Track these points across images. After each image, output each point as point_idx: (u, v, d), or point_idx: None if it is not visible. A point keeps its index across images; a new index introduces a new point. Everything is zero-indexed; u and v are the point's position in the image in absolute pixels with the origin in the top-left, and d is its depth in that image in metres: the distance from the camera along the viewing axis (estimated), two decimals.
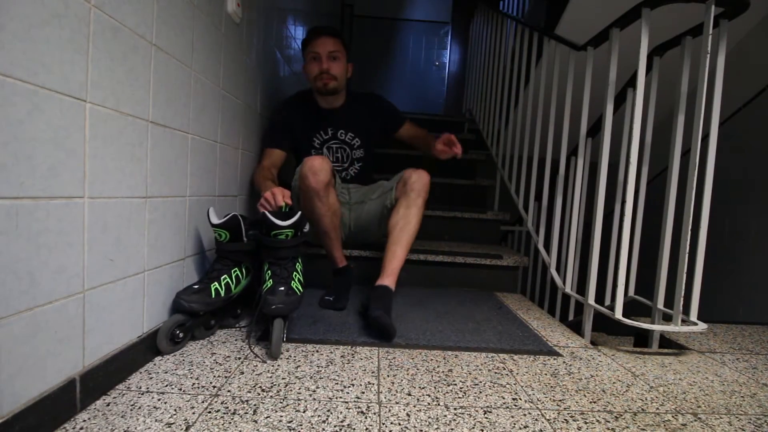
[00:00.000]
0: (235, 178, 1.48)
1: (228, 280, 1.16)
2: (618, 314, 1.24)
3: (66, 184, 0.71)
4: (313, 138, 1.75)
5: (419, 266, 1.87)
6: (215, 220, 1.15)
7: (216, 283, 1.13)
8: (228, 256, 1.19)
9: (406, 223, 1.46)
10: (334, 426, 0.76)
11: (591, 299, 1.35)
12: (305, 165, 1.37)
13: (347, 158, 1.79)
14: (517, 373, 1.04)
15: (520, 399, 0.91)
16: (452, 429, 0.78)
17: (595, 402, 0.91)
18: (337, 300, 1.45)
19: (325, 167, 1.38)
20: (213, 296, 1.10)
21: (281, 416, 0.78)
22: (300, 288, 1.17)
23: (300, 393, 0.88)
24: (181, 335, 1.04)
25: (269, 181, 1.47)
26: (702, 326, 1.21)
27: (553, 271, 1.75)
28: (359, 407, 0.83)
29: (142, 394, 0.84)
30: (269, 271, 1.17)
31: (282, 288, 1.10)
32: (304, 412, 0.80)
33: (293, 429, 0.75)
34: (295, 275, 1.17)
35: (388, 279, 1.38)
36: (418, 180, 1.50)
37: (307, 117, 1.73)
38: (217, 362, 1.00)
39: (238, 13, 1.38)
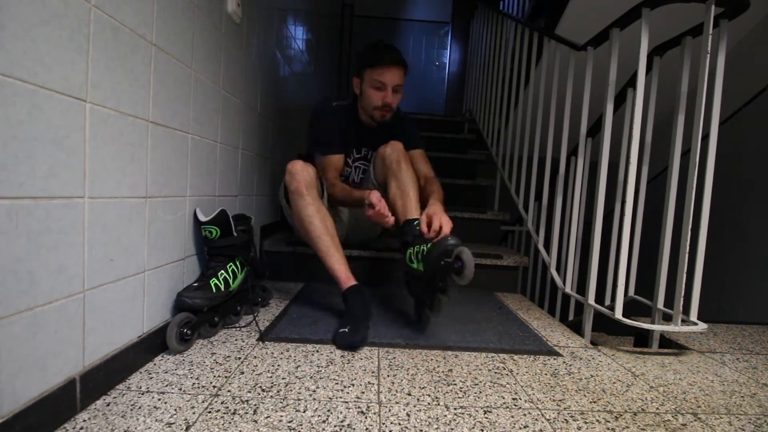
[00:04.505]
0: (235, 178, 1.48)
1: (225, 275, 1.17)
2: (618, 314, 1.24)
3: (66, 184, 0.71)
4: (348, 156, 1.68)
5: None
6: (204, 218, 1.15)
7: (214, 278, 1.14)
8: (221, 253, 1.19)
9: (403, 186, 1.41)
10: (334, 426, 0.76)
11: (591, 299, 1.35)
12: (286, 171, 1.40)
13: (367, 182, 1.75)
14: (517, 373, 1.04)
15: (520, 399, 0.91)
16: (452, 429, 0.78)
17: (595, 402, 0.91)
18: (354, 331, 1.15)
19: (307, 168, 1.39)
20: (214, 291, 1.11)
21: (281, 416, 0.78)
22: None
23: (300, 393, 0.88)
24: (189, 333, 1.05)
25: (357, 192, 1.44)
26: (702, 326, 1.21)
27: (553, 271, 1.75)
28: (359, 407, 0.83)
29: (143, 394, 0.84)
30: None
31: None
32: (304, 412, 0.80)
33: (293, 429, 0.75)
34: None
35: (415, 212, 1.37)
36: (393, 151, 1.46)
37: (348, 131, 1.65)
38: (217, 362, 1.00)
39: (238, 13, 1.38)
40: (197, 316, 1.08)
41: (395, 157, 1.44)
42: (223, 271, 1.16)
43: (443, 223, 1.24)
